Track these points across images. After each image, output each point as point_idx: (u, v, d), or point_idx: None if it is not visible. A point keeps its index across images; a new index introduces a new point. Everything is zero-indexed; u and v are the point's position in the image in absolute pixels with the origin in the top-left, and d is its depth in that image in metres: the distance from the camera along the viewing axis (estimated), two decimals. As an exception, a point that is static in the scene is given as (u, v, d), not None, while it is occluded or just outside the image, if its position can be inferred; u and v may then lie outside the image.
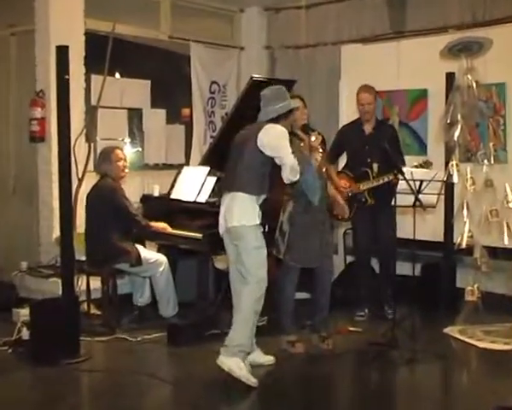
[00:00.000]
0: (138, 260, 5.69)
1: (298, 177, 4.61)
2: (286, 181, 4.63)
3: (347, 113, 7.13)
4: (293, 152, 4.60)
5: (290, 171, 4.54)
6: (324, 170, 5.26)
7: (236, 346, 4.52)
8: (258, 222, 4.61)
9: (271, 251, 4.98)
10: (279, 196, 5.05)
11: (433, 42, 6.38)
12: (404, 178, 5.10)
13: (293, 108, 4.77)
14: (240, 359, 4.52)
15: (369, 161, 5.97)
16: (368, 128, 6.10)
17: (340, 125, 7.20)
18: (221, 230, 4.70)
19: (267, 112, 4.65)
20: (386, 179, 5.76)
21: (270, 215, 4.94)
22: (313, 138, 4.98)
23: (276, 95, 4.67)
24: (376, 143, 5.77)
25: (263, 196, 4.67)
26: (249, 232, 4.56)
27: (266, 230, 4.91)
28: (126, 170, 5.95)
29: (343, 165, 6.35)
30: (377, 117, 6.30)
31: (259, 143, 4.56)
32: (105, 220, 5.68)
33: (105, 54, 6.42)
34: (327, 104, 7.62)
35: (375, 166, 5.95)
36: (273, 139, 4.57)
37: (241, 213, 4.56)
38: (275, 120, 4.62)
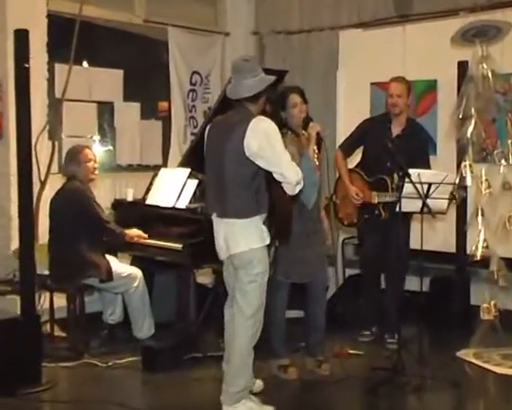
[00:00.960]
0: (109, 275, 5.66)
1: (302, 185, 4.42)
2: (289, 194, 4.44)
3: (346, 106, 7.14)
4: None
5: (295, 186, 4.34)
6: (336, 170, 5.18)
7: (242, 391, 4.44)
8: (268, 241, 4.45)
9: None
10: (286, 202, 4.61)
11: (443, 26, 6.42)
12: (411, 181, 5.06)
13: (269, 85, 4.51)
14: (246, 399, 4.46)
15: (389, 166, 5.65)
16: (396, 128, 5.87)
17: (338, 121, 7.23)
18: (223, 255, 4.53)
19: (251, 85, 4.37)
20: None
21: (280, 230, 4.67)
22: (310, 125, 4.98)
23: (253, 66, 4.44)
24: (403, 150, 5.33)
25: (264, 215, 4.45)
26: (257, 255, 4.38)
27: (276, 244, 4.76)
28: (96, 172, 5.92)
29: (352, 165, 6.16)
30: (411, 117, 6.10)
31: (248, 153, 4.25)
32: (72, 229, 5.65)
33: (71, 39, 6.40)
34: (323, 97, 7.59)
35: (396, 176, 5.62)
36: (265, 146, 4.25)
37: (247, 236, 4.36)
38: (255, 98, 4.40)
